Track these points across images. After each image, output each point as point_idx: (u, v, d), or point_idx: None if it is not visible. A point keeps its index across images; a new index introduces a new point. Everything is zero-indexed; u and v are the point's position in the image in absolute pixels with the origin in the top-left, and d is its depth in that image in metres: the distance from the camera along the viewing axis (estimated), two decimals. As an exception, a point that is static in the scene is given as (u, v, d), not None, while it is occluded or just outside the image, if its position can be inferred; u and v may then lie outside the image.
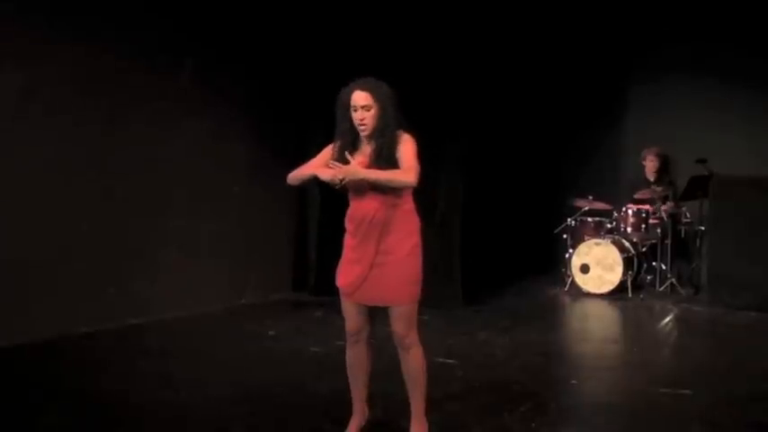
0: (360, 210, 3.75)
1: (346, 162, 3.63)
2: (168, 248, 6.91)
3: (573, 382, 5.25)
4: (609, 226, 9.00)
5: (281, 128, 8.14)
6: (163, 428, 4.23)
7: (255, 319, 7.03)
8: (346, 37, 7.82)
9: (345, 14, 7.82)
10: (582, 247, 8.67)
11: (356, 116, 3.70)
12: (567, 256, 8.95)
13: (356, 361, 3.95)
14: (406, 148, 3.68)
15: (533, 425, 4.24)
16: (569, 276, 8.81)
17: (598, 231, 8.95)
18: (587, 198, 9.06)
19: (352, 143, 3.77)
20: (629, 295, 8.49)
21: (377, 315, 3.88)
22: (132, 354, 5.68)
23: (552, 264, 9.79)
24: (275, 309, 7.66)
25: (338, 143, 3.81)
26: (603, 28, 9.53)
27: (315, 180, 3.74)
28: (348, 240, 3.83)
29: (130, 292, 6.53)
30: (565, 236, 9.13)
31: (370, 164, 3.68)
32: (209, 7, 7.12)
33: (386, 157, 3.67)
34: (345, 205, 3.88)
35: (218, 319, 7.05)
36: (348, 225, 3.82)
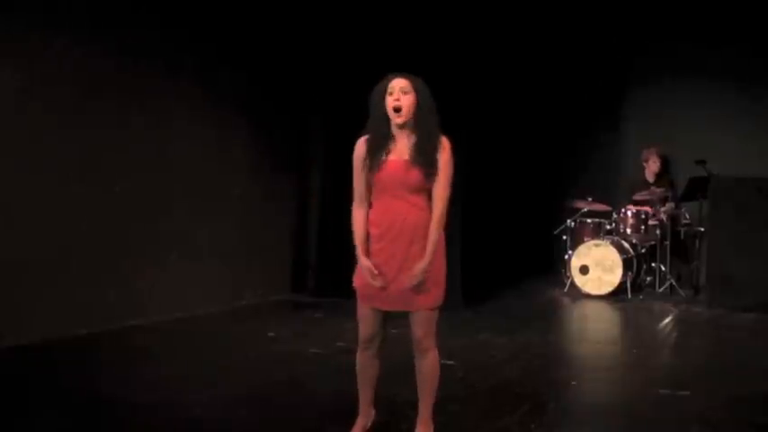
0: (388, 214, 3.63)
1: (381, 161, 3.58)
2: (168, 249, 6.91)
3: (573, 383, 5.25)
4: (608, 227, 9.01)
5: (282, 130, 8.15)
6: (162, 430, 4.22)
7: (255, 321, 7.04)
8: (346, 39, 7.83)
9: (346, 15, 7.83)
10: (581, 249, 8.68)
11: (391, 99, 3.59)
12: (566, 257, 8.96)
13: (367, 366, 3.88)
14: (446, 166, 3.61)
15: (533, 426, 4.24)
16: (569, 277, 8.81)
17: (597, 233, 8.96)
18: (587, 199, 9.07)
19: (384, 138, 3.64)
20: (629, 296, 8.51)
21: (389, 320, 3.83)
22: (132, 355, 5.68)
23: (552, 265, 9.80)
24: (275, 310, 7.66)
25: (370, 137, 3.67)
26: (603, 29, 9.55)
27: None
28: (372, 245, 3.66)
29: (130, 292, 6.53)
30: (564, 237, 9.15)
31: (409, 160, 3.58)
32: (210, 8, 7.13)
33: (426, 157, 3.57)
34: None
35: (217, 320, 7.05)
36: (373, 229, 3.67)
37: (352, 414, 4.00)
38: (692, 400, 4.77)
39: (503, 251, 9.28)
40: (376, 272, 3.60)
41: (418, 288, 3.62)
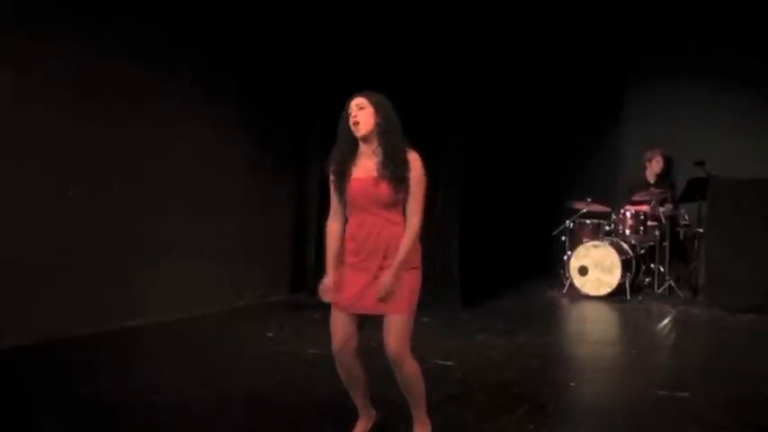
0: (363, 229, 3.71)
1: (348, 175, 3.70)
2: (167, 250, 6.91)
3: (571, 384, 5.25)
4: (607, 228, 9.02)
5: (280, 130, 8.16)
6: (162, 429, 4.23)
7: (254, 321, 7.04)
8: (345, 39, 7.83)
9: (344, 16, 7.83)
10: (580, 249, 8.68)
11: (351, 118, 3.69)
12: (565, 258, 8.97)
13: (349, 374, 3.87)
14: (419, 183, 3.68)
15: (531, 426, 4.24)
16: (568, 278, 8.82)
17: (596, 233, 8.96)
18: (585, 200, 9.07)
19: (349, 156, 3.74)
20: (628, 297, 8.51)
21: (366, 326, 3.84)
22: (131, 355, 5.69)
23: (550, 266, 9.80)
24: (273, 310, 7.67)
25: (335, 159, 3.78)
26: (603, 30, 9.56)
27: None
28: (349, 258, 3.77)
29: (130, 293, 6.53)
30: (563, 238, 9.15)
31: (377, 176, 3.65)
32: (209, 9, 7.14)
33: (393, 171, 3.63)
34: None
35: (216, 320, 7.06)
36: (349, 244, 3.77)
37: (350, 415, 4.02)
38: (690, 401, 4.78)
39: (501, 252, 9.29)
40: (329, 293, 3.80)
41: (399, 293, 3.66)
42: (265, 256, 8.09)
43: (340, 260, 3.83)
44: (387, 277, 3.63)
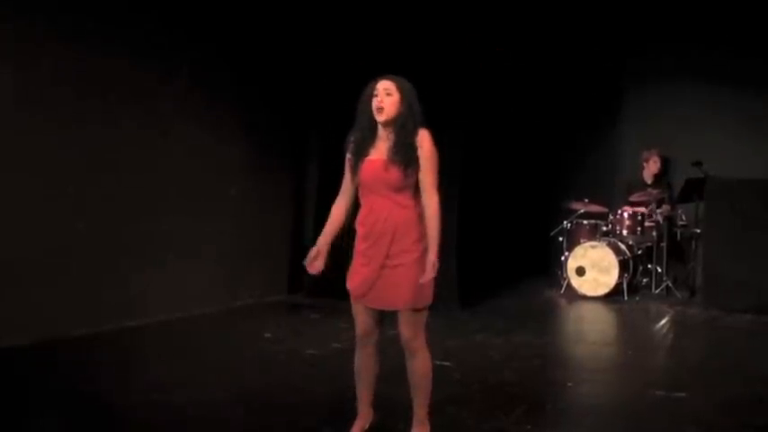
0: (372, 213, 3.72)
1: (364, 156, 3.71)
2: (165, 250, 6.91)
3: (569, 384, 5.27)
4: (604, 228, 9.02)
5: (279, 130, 8.15)
6: (160, 429, 4.24)
7: (252, 321, 7.05)
8: (345, 39, 7.84)
9: (344, 16, 7.84)
10: (578, 250, 8.69)
11: (375, 101, 3.68)
12: (562, 258, 8.98)
13: (364, 364, 3.92)
14: (430, 159, 3.71)
15: (529, 427, 4.26)
16: (565, 279, 8.83)
17: (594, 234, 8.98)
18: (583, 201, 9.08)
19: (368, 139, 3.74)
20: (625, 298, 8.52)
21: (385, 318, 3.87)
22: (130, 355, 5.69)
23: (548, 266, 9.81)
24: (271, 310, 7.67)
25: (354, 138, 3.77)
26: (601, 30, 9.57)
27: None
28: (359, 244, 3.79)
29: (128, 293, 6.53)
30: (561, 238, 9.16)
31: (387, 160, 3.66)
32: (209, 9, 7.14)
33: (404, 155, 3.65)
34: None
35: (214, 320, 7.06)
36: (359, 229, 3.79)
37: (348, 415, 4.03)
38: (687, 401, 4.80)
39: (499, 252, 9.29)
40: (313, 256, 3.84)
41: (405, 287, 3.68)
42: (264, 257, 8.09)
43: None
44: (429, 265, 3.66)
